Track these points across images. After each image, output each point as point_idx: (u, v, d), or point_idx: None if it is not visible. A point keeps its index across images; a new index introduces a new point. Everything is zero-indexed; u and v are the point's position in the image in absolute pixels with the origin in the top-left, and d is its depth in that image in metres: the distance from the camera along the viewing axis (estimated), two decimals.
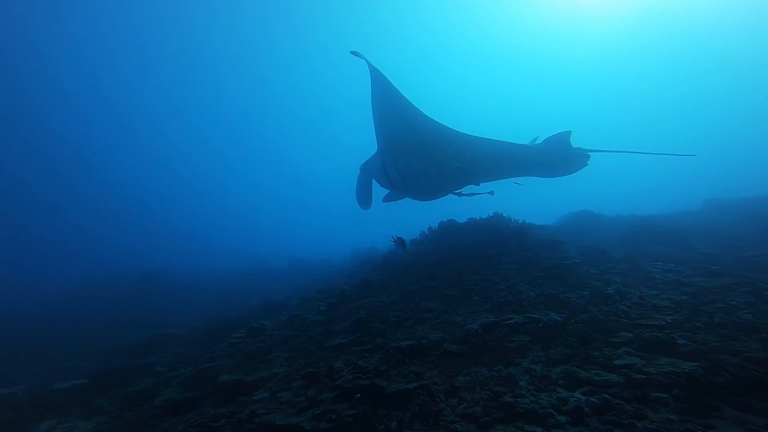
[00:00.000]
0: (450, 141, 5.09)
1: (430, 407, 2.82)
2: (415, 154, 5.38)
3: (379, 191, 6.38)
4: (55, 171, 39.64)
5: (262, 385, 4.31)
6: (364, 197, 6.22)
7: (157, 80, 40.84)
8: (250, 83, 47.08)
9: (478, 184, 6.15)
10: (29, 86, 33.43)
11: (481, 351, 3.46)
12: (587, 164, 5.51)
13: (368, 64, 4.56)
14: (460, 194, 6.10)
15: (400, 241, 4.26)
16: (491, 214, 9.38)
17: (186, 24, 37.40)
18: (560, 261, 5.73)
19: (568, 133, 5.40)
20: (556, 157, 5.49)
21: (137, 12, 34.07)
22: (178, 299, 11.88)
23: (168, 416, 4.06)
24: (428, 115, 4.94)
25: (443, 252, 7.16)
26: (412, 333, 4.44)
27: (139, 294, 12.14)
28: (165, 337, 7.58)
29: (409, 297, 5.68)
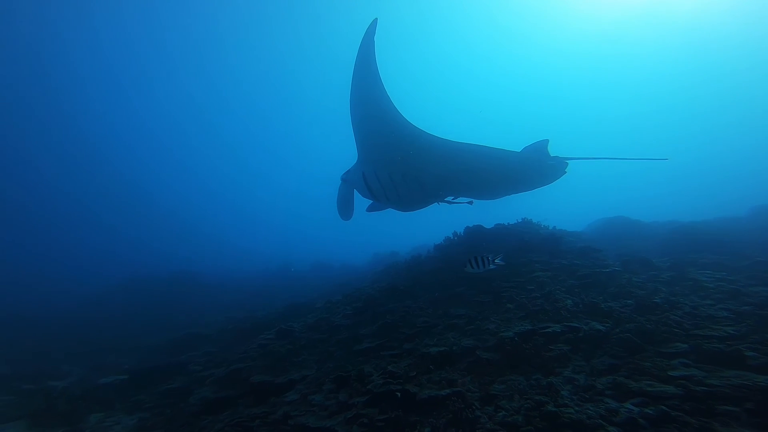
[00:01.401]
0: (430, 146, 4.88)
1: (466, 414, 2.73)
2: (396, 161, 5.14)
3: (361, 202, 6.13)
4: (92, 179, 42.86)
5: (292, 387, 4.35)
6: (345, 208, 6.07)
7: (179, 84, 43.06)
8: (268, 84, 48.25)
9: (457, 197, 5.89)
10: (61, 91, 36.36)
11: (518, 359, 3.32)
12: (565, 172, 5.37)
13: (366, 39, 4.11)
14: (439, 202, 5.93)
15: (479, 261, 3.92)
16: (520, 220, 9.12)
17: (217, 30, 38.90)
18: (598, 269, 5.45)
19: (546, 141, 5.28)
20: (536, 165, 5.33)
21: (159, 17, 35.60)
22: (205, 300, 12.33)
23: (204, 414, 4.18)
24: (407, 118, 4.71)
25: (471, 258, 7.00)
26: (442, 339, 4.34)
27: (169, 294, 12.71)
28: (196, 337, 7.87)
29: (437, 303, 5.58)
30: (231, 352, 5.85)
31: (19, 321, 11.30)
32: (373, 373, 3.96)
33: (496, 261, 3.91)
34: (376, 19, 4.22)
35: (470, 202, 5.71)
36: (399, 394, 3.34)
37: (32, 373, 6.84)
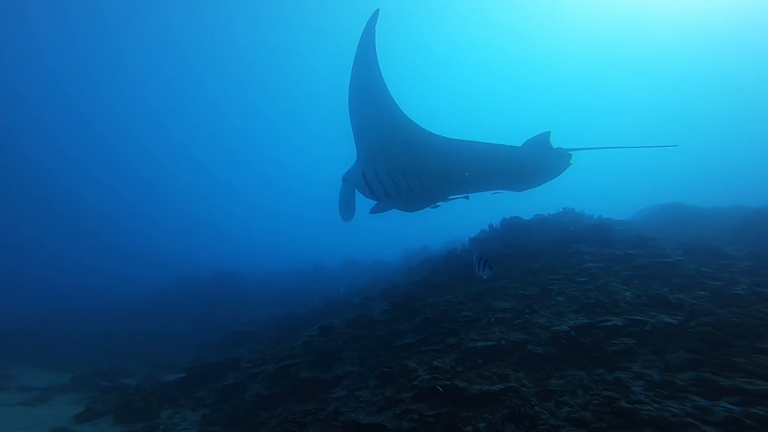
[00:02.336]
0: (430, 143, 4.63)
1: (524, 410, 2.58)
2: (395, 159, 4.86)
3: (364, 203, 5.88)
4: (144, 187, 46.50)
5: (338, 383, 4.39)
6: (346, 209, 5.89)
7: (206, 89, 45.12)
8: (286, 81, 48.78)
9: (467, 197, 5.58)
10: (110, 94, 39.39)
11: (576, 354, 3.10)
12: (570, 164, 4.94)
13: (367, 31, 3.94)
14: (435, 206, 5.65)
15: (481, 263, 3.78)
16: (561, 210, 8.62)
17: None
18: (657, 259, 4.98)
19: (548, 134, 4.89)
20: (538, 158, 4.93)
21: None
22: (246, 298, 12.89)
23: (259, 410, 4.33)
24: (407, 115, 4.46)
25: (511, 250, 6.71)
26: (488, 334, 4.18)
27: (213, 294, 13.42)
28: (242, 335, 8.23)
29: (478, 297, 5.39)
30: (277, 349, 6.04)
31: (84, 320, 12.50)
32: (418, 368, 3.89)
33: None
34: (378, 10, 4.07)
35: (466, 197, 5.48)
36: (440, 388, 3.25)
37: (107, 371, 7.54)
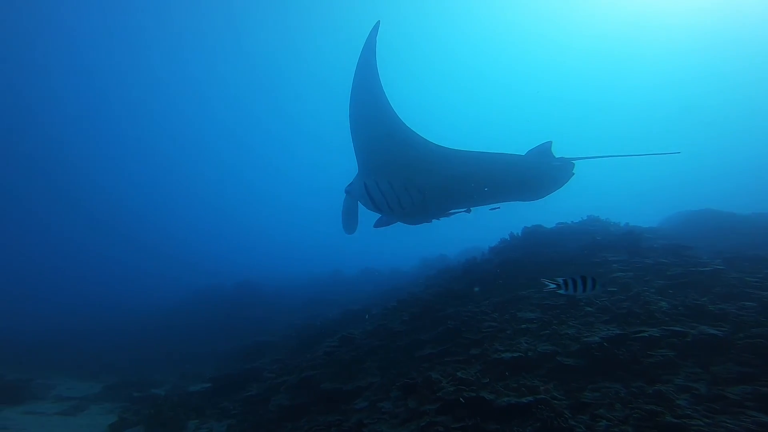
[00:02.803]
0: (431, 154, 4.52)
1: (557, 423, 2.45)
2: (397, 170, 4.76)
3: (367, 215, 5.77)
4: (165, 195, 48.37)
5: (360, 394, 4.35)
6: (349, 221, 5.81)
7: (228, 91, 46.36)
8: (307, 82, 48.97)
9: (468, 210, 5.41)
10: (143, 98, 40.96)
11: (610, 366, 2.95)
12: (573, 173, 4.75)
13: (368, 43, 3.91)
14: (440, 217, 5.48)
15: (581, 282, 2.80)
16: (585, 218, 8.37)
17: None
18: (693, 268, 4.72)
19: (549, 143, 4.74)
20: (542, 168, 4.77)
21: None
22: (266, 308, 13.04)
23: (283, 421, 4.34)
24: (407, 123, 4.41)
25: (534, 259, 6.53)
26: (514, 345, 4.04)
27: (234, 304, 13.63)
28: (263, 345, 8.30)
29: (502, 307, 5.26)
30: (298, 359, 6.05)
31: (112, 331, 12.97)
32: (442, 379, 3.80)
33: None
34: (378, 22, 4.09)
35: (468, 211, 5.37)
36: (462, 400, 3.15)
37: (137, 381, 7.82)
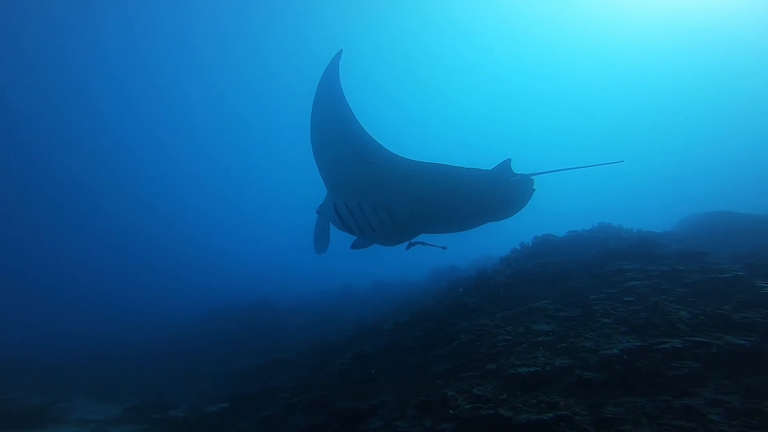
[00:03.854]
0: (400, 169, 4.22)
1: None
2: (361, 186, 4.48)
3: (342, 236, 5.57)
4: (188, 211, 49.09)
5: (375, 413, 4.27)
6: (320, 242, 5.67)
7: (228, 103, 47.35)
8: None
9: (444, 247, 5.18)
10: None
11: (632, 379, 2.86)
12: (534, 189, 4.48)
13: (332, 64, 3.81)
14: (410, 245, 5.24)
15: None
16: (596, 225, 8.26)
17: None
18: (713, 275, 4.60)
19: (509, 160, 4.53)
20: (505, 185, 4.53)
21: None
22: (279, 324, 13.01)
23: None
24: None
25: (546, 269, 6.44)
26: (530, 359, 3.95)
27: (248, 321, 13.66)
28: (278, 362, 8.26)
29: (515, 320, 5.17)
30: (313, 378, 5.99)
31: (129, 352, 13.06)
32: (457, 396, 3.72)
33: None
34: (341, 50, 3.96)
35: (444, 248, 5.15)
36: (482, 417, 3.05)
37: (155, 402, 7.85)
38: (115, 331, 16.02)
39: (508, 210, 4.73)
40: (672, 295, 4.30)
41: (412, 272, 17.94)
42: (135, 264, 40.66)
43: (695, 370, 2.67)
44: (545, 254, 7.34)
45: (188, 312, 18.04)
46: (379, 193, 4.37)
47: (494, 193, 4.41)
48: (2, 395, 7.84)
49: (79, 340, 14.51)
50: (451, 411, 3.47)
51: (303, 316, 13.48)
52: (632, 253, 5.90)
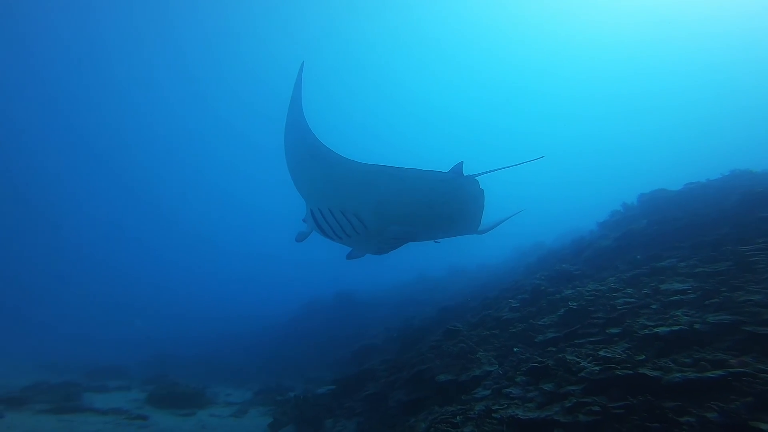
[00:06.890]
0: (353, 171, 4.07)
1: None
2: (328, 193, 4.59)
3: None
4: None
5: (479, 384, 4.12)
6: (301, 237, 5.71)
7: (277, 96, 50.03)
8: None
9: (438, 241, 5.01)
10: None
11: None
12: (482, 189, 4.36)
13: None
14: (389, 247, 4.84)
15: None
16: (728, 173, 6.75)
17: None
18: None
19: (461, 163, 4.21)
20: (458, 187, 4.35)
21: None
22: (363, 315, 13.62)
23: (405, 415, 4.38)
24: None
25: (665, 227, 5.47)
26: (666, 319, 3.38)
27: (336, 313, 14.60)
28: (369, 348, 8.66)
29: (636, 282, 4.50)
30: (405, 357, 6.09)
31: (243, 345, 15.09)
32: (580, 360, 3.37)
33: None
34: (303, 62, 4.10)
35: (437, 242, 5.01)
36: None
37: (275, 387, 9.03)
38: (232, 329, 18.59)
39: (468, 213, 4.51)
40: None
41: (491, 253, 17.08)
42: (237, 270, 46.15)
43: None
44: (658, 211, 6.23)
45: (283, 309, 19.97)
46: (339, 197, 4.55)
47: (453, 192, 4.31)
48: (174, 380, 9.84)
49: (210, 340, 17.20)
50: (575, 375, 3.15)
51: (382, 307, 13.86)
52: None
